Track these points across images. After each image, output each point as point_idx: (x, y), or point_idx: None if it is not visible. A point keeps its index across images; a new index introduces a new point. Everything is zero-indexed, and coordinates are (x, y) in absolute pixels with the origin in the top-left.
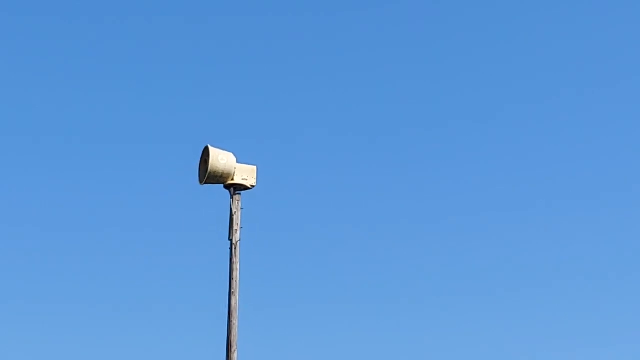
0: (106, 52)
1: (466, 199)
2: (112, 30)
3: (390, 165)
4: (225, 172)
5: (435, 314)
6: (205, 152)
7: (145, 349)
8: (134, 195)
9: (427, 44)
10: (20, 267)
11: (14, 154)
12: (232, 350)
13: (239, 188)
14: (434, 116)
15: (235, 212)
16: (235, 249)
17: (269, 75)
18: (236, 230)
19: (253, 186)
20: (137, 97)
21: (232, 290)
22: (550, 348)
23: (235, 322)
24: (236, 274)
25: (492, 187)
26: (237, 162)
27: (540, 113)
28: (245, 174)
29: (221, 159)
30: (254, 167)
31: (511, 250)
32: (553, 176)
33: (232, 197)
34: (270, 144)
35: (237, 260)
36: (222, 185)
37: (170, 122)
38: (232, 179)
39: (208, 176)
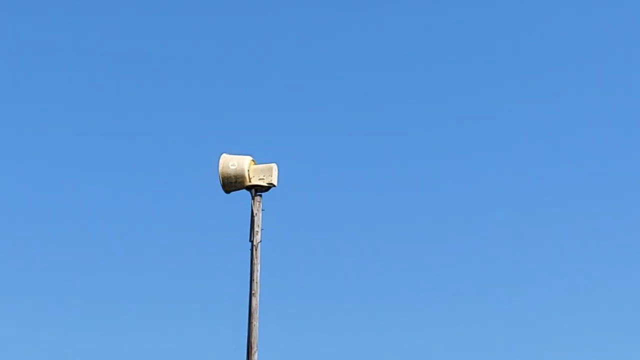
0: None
1: (492, 199)
2: (129, 34)
3: (409, 164)
4: (238, 176)
5: (456, 315)
6: None
7: (167, 349)
8: (157, 197)
9: (433, 43)
10: (49, 268)
11: (45, 166)
12: (253, 351)
13: (260, 189)
14: (444, 116)
15: (256, 214)
16: (256, 250)
17: (293, 77)
18: (257, 231)
19: (271, 184)
20: (158, 102)
21: (253, 292)
22: (553, 349)
23: (255, 323)
24: (257, 275)
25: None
26: (258, 163)
27: (544, 114)
28: (261, 174)
29: (231, 164)
30: (271, 165)
31: (516, 250)
32: (556, 177)
33: (253, 199)
34: (295, 143)
35: (258, 261)
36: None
37: (191, 125)
38: (250, 181)
39: (223, 183)
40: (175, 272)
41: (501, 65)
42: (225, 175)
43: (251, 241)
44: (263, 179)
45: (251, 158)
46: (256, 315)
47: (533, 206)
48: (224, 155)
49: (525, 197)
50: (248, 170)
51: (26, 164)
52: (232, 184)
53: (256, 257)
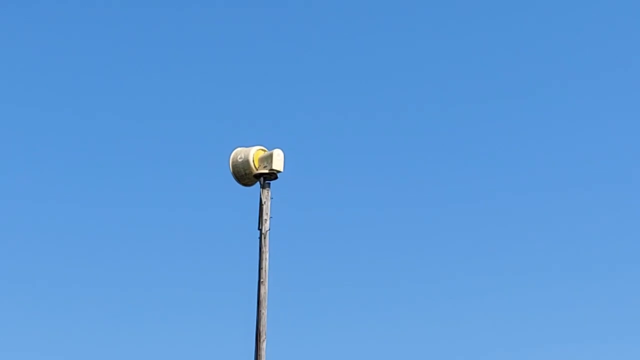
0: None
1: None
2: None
3: (418, 150)
4: (245, 167)
5: (469, 311)
6: None
7: (175, 338)
8: (167, 187)
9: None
10: (63, 268)
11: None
12: (261, 339)
13: (268, 177)
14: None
15: (264, 202)
16: (264, 238)
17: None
18: (265, 220)
19: (274, 170)
20: (173, 90)
21: (262, 280)
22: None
23: (264, 311)
24: (265, 264)
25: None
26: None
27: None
28: (265, 162)
29: (239, 157)
30: (272, 152)
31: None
32: (556, 176)
33: (261, 187)
34: (310, 131)
35: (267, 249)
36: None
37: (203, 115)
38: (257, 170)
39: (235, 177)
40: (184, 260)
41: (501, 65)
42: (236, 168)
43: (260, 229)
44: (266, 166)
45: (259, 147)
46: (265, 303)
47: (534, 207)
48: (236, 149)
49: (526, 197)
50: (253, 160)
51: (27, 165)
52: (243, 175)
53: (265, 246)
